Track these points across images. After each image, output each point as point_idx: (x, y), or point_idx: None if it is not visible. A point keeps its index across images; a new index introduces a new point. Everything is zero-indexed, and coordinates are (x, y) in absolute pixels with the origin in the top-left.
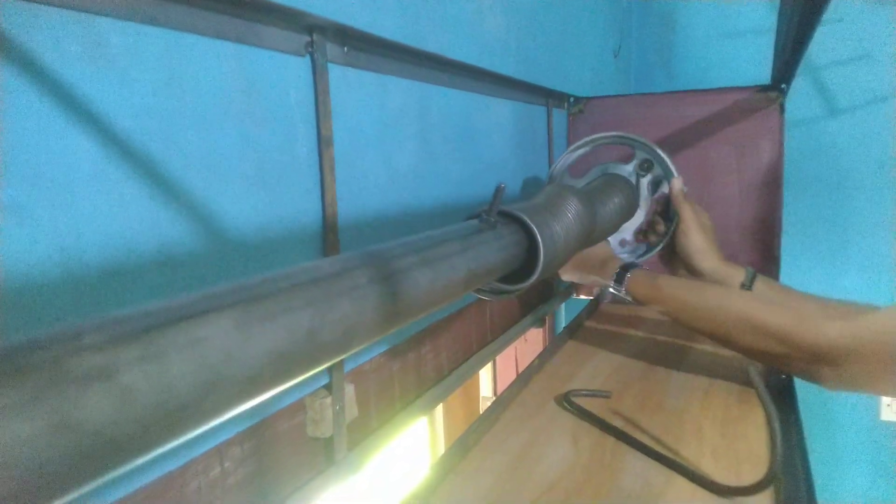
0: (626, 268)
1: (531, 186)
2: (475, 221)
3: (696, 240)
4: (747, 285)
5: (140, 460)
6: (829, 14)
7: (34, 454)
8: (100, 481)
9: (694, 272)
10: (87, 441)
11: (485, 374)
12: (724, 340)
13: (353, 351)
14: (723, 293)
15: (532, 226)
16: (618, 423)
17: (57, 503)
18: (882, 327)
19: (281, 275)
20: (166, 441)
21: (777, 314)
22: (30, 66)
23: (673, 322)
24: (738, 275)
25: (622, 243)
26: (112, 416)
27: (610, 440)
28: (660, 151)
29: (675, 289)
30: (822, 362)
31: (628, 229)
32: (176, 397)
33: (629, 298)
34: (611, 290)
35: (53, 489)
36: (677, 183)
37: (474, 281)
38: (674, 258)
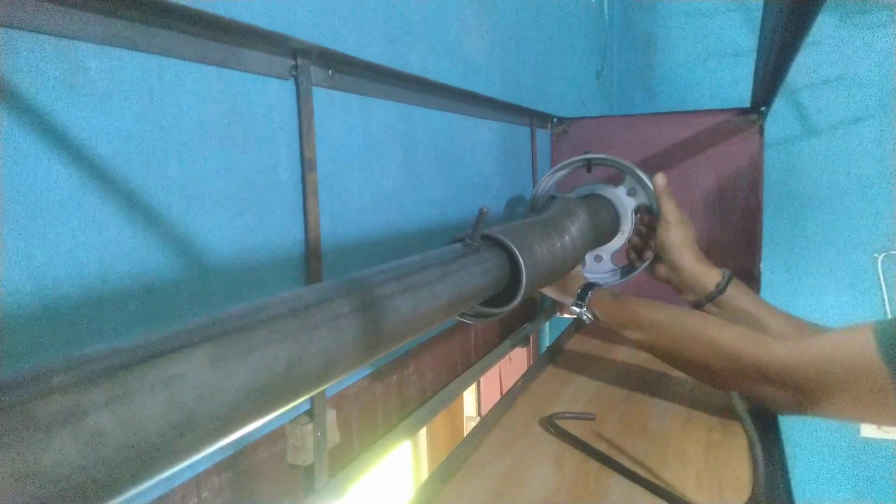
0: (588, 286)
1: (515, 206)
2: (458, 245)
3: (678, 234)
4: (721, 287)
5: None
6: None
7: None
8: None
9: (673, 268)
10: (53, 488)
11: (469, 394)
12: (675, 358)
13: (333, 382)
14: (679, 310)
15: (514, 248)
16: (602, 446)
17: None
18: (828, 349)
19: (258, 306)
20: (138, 484)
21: (727, 331)
22: (5, 92)
23: (634, 344)
24: (715, 276)
25: (597, 259)
26: (80, 462)
27: (594, 464)
28: (629, 164)
29: (637, 305)
30: (767, 382)
31: (609, 249)
32: (147, 439)
33: (590, 318)
34: (573, 307)
35: None
36: (661, 178)
37: (457, 306)
38: (655, 257)
